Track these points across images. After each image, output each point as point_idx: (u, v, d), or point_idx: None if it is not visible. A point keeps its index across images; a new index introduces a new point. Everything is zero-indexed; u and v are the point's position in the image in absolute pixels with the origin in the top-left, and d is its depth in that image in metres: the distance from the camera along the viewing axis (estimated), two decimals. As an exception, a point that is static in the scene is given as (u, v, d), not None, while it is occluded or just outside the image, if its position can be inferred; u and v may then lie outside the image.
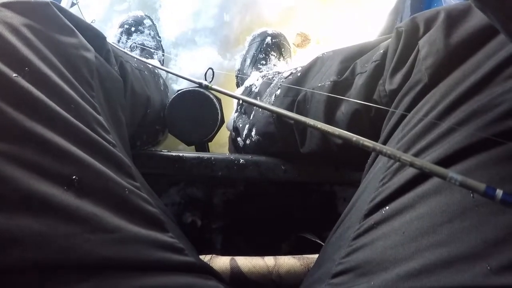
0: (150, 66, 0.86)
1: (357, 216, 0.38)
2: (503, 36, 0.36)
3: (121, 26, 1.04)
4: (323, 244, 0.48)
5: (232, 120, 0.83)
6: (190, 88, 0.80)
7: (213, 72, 0.69)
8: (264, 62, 0.96)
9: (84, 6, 1.20)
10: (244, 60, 1.00)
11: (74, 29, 0.44)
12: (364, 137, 0.51)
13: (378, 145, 0.27)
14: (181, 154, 0.70)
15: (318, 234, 0.73)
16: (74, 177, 0.32)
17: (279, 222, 0.76)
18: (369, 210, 0.36)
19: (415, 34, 0.44)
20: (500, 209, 0.26)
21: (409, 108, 0.41)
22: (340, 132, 0.29)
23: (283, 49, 1.01)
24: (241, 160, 0.69)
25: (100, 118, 0.40)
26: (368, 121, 0.50)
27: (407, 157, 0.26)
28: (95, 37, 0.50)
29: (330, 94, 0.53)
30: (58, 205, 0.30)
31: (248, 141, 0.75)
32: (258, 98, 0.77)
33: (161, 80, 0.87)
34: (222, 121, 0.86)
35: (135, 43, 0.99)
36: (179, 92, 0.80)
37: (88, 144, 0.36)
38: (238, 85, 0.99)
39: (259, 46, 0.99)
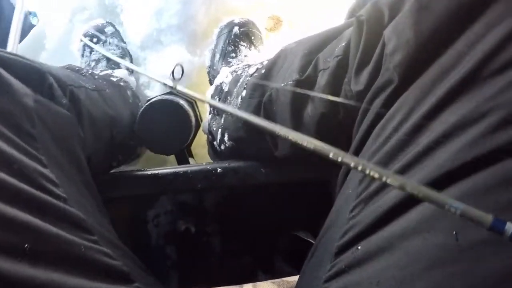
0: (115, 80, 0.83)
1: (328, 251, 0.34)
2: (493, 13, 0.28)
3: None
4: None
5: (207, 123, 0.80)
6: (158, 98, 0.77)
7: (182, 68, 0.63)
8: (234, 55, 0.91)
9: (47, 22, 1.16)
10: (213, 55, 0.95)
11: (4, 81, 0.41)
12: (335, 140, 0.48)
13: (361, 162, 0.22)
14: (156, 172, 0.68)
15: (314, 230, 0.71)
16: (26, 245, 0.31)
17: (274, 221, 0.74)
18: (339, 248, 0.32)
19: (379, 22, 0.37)
20: (485, 255, 0.22)
21: (380, 114, 0.35)
22: (316, 146, 0.23)
23: (253, 37, 0.96)
24: (218, 169, 0.66)
25: (46, 171, 0.39)
26: (337, 123, 0.46)
27: (397, 178, 0.21)
28: (33, 75, 0.47)
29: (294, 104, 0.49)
30: (14, 278, 0.29)
31: (223, 147, 0.72)
32: (228, 98, 0.73)
33: (128, 92, 0.84)
34: (198, 125, 0.83)
35: (98, 56, 0.95)
36: (147, 103, 0.77)
37: (36, 207, 0.35)
38: (211, 83, 0.95)
39: (227, 38, 0.94)
